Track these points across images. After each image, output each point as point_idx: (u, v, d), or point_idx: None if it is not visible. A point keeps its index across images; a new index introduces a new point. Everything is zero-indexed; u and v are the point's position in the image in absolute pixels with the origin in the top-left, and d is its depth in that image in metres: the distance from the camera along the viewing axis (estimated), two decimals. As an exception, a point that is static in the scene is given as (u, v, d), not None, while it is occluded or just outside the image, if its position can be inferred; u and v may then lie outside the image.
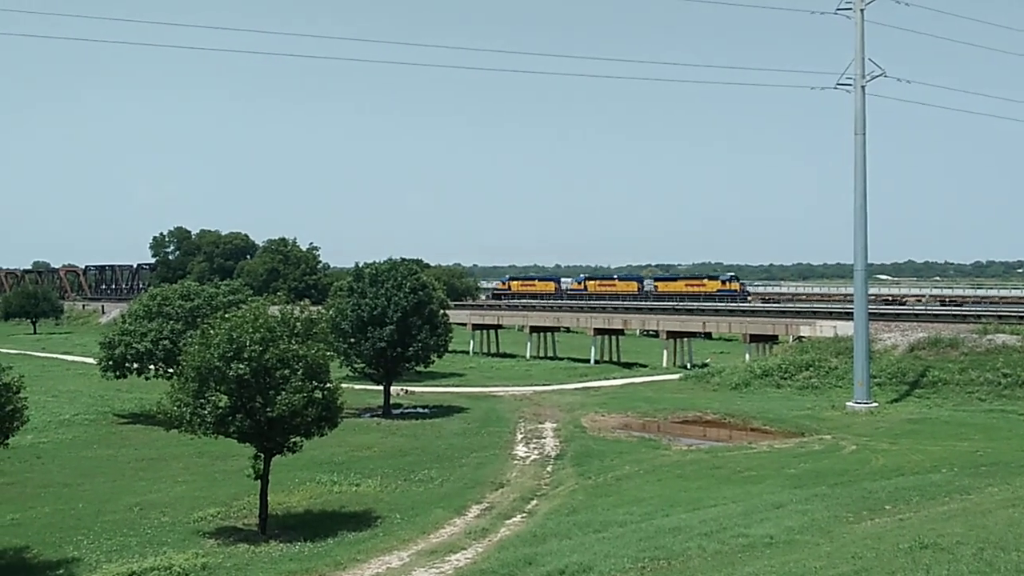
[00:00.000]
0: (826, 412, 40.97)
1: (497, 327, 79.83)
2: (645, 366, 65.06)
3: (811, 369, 48.64)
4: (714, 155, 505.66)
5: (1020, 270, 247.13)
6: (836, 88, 42.82)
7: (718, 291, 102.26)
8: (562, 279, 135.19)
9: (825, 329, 54.62)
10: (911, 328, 50.73)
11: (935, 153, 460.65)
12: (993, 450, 29.74)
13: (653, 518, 21.42)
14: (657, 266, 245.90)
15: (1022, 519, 14.83)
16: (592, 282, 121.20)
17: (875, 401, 41.35)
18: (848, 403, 41.46)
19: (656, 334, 70.91)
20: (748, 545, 16.27)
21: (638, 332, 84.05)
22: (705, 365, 60.86)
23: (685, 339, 67.84)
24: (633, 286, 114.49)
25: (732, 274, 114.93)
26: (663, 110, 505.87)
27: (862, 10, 41.93)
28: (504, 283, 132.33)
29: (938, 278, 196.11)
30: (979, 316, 56.67)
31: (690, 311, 79.25)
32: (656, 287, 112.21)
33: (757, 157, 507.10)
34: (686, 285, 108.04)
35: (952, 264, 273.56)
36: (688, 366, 63.44)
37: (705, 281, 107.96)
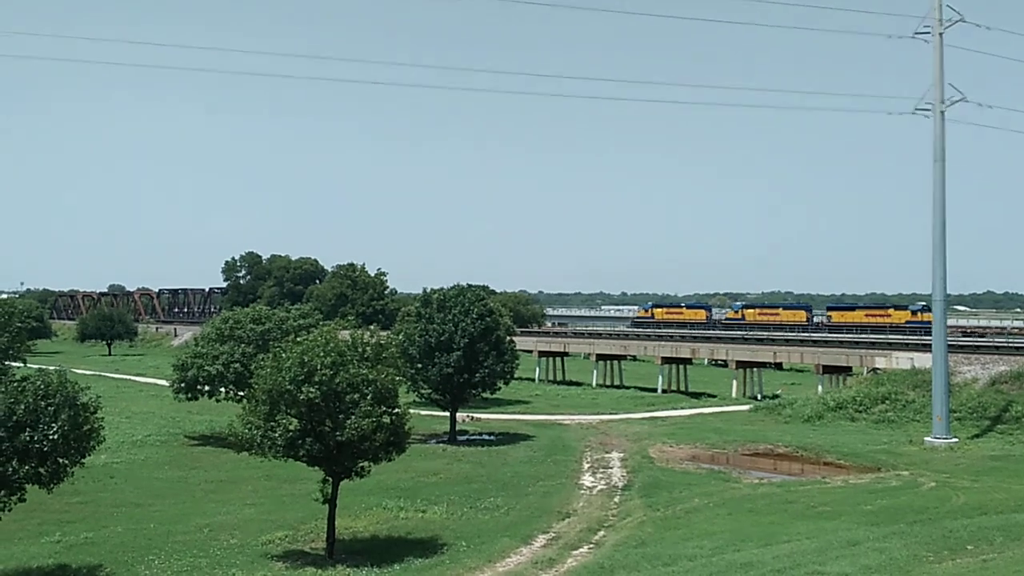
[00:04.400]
0: (903, 447, 39.80)
1: (563, 354, 79.56)
2: (714, 396, 64.15)
3: (887, 402, 47.38)
4: (784, 181, 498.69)
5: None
6: (915, 113, 41.98)
7: (908, 323, 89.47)
8: (712, 307, 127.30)
9: (902, 361, 53.25)
10: (992, 361, 49.13)
11: (1016, 179, 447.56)
12: (1081, 490, 28.52)
13: (724, 553, 20.96)
14: (726, 295, 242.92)
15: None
16: (751, 311, 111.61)
17: (955, 436, 40.05)
18: (926, 438, 40.22)
19: (725, 364, 69.88)
20: (823, 583, 15.79)
21: (706, 362, 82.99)
22: (776, 396, 59.78)
23: (755, 369, 66.72)
24: (802, 315, 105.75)
25: (923, 304, 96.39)
26: (731, 136, 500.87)
27: (941, 34, 41.11)
28: (646, 310, 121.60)
29: (1019, 309, 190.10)
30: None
31: (760, 340, 77.99)
32: (830, 317, 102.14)
33: (830, 183, 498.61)
34: (866, 315, 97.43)
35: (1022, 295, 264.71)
36: (758, 397, 62.37)
37: (891, 311, 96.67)
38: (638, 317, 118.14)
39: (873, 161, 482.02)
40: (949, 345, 43.79)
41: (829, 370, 59.66)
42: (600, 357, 75.39)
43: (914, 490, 30.69)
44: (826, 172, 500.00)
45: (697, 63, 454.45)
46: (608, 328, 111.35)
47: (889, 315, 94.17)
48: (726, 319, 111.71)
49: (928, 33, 41.60)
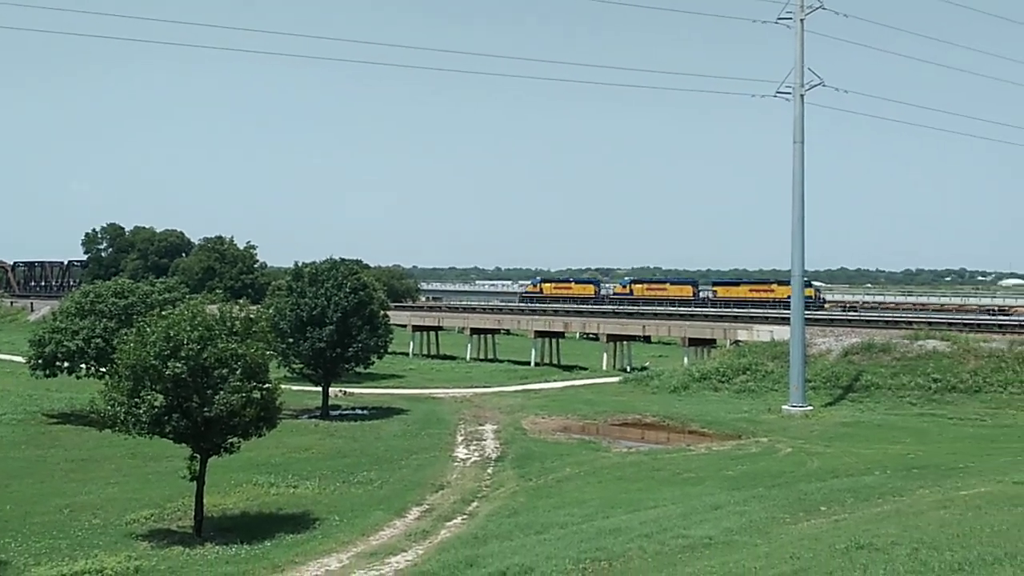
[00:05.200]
0: (763, 415, 41.61)
1: (438, 329, 79.58)
2: (585, 369, 65.42)
3: (748, 373, 49.35)
4: (646, 161, 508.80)
5: (948, 278, 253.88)
6: (776, 96, 43.57)
7: (791, 297, 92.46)
8: (600, 282, 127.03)
9: (762, 334, 55.55)
10: (845, 333, 51.84)
11: (869, 163, 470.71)
12: (924, 453, 30.43)
13: (594, 520, 21.49)
14: (597, 270, 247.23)
15: (953, 520, 15.16)
16: (639, 286, 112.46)
17: (810, 405, 42.11)
18: (784, 406, 42.15)
19: (596, 337, 71.32)
20: (688, 546, 16.38)
21: (578, 335, 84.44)
22: (644, 368, 61.42)
23: (625, 342, 68.38)
24: (688, 290, 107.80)
25: (806, 279, 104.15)
26: (601, 113, 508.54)
27: (802, 20, 42.70)
28: (535, 285, 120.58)
29: (869, 285, 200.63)
30: (910, 322, 58.20)
31: (629, 315, 79.85)
32: (716, 292, 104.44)
33: (692, 163, 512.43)
34: (751, 291, 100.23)
35: (883, 272, 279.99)
36: (628, 369, 63.95)
37: (774, 286, 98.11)
38: (526, 292, 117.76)
39: (736, 141, 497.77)
40: (806, 319, 45.94)
41: (695, 343, 61.74)
42: (474, 331, 75.76)
43: (772, 456, 32.16)
44: (690, 151, 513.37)
45: (571, 40, 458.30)
46: (483, 303, 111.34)
47: (773, 290, 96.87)
48: (615, 294, 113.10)
49: (790, 19, 43.15)
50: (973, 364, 43.75)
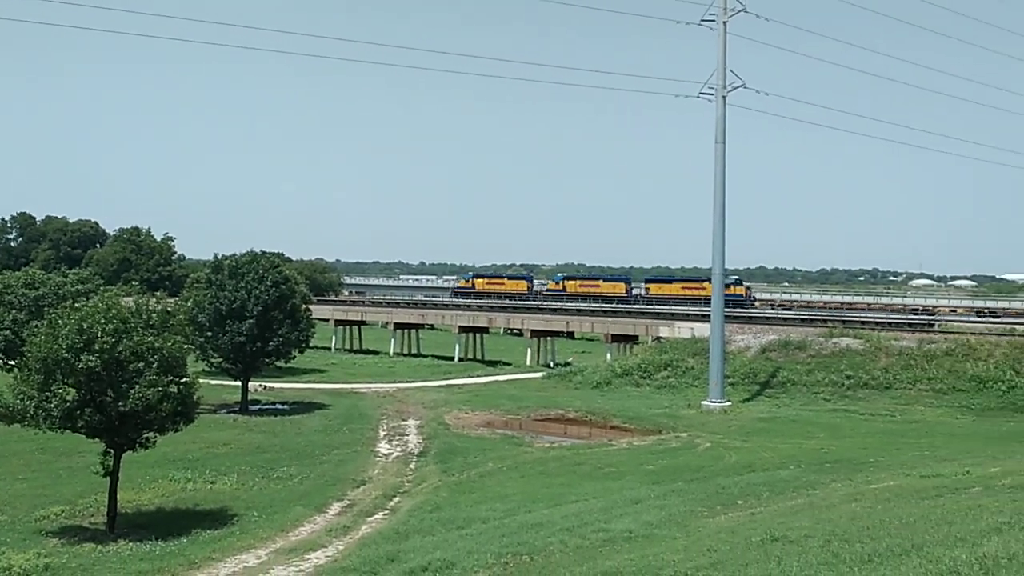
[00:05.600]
0: (683, 410, 42.26)
1: (361, 323, 78.94)
2: (509, 364, 65.62)
3: (669, 369, 50.06)
4: (573, 158, 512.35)
5: (861, 278, 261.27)
6: (699, 97, 44.23)
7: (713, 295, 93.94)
8: (533, 278, 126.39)
9: (683, 330, 56.37)
10: (763, 331, 52.95)
11: (789, 164, 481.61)
12: (836, 447, 31.29)
13: (516, 514, 21.57)
14: (522, 266, 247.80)
15: (864, 513, 15.59)
16: (572, 282, 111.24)
17: (729, 400, 42.91)
18: (703, 402, 42.88)
19: (520, 333, 71.55)
20: (608, 540, 16.54)
21: (502, 331, 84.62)
22: (568, 364, 61.83)
23: (548, 338, 68.78)
24: (621, 287, 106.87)
25: (736, 278, 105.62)
26: (525, 110, 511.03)
27: (725, 22, 43.42)
28: (467, 280, 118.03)
29: (787, 284, 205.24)
30: (825, 320, 59.73)
31: (553, 310, 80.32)
32: (648, 289, 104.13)
33: (618, 161, 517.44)
34: (683, 288, 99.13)
35: (800, 271, 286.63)
36: (551, 365, 64.31)
37: (706, 284, 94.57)
38: (458, 287, 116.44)
39: (662, 140, 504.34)
40: (725, 316, 46.78)
41: (618, 339, 62.44)
42: (398, 326, 75.35)
43: (691, 450, 32.71)
44: (616, 150, 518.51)
45: (495, 35, 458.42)
46: (407, 298, 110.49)
47: (704, 288, 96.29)
48: (547, 290, 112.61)
49: (713, 21, 43.85)
50: (884, 362, 45.14)
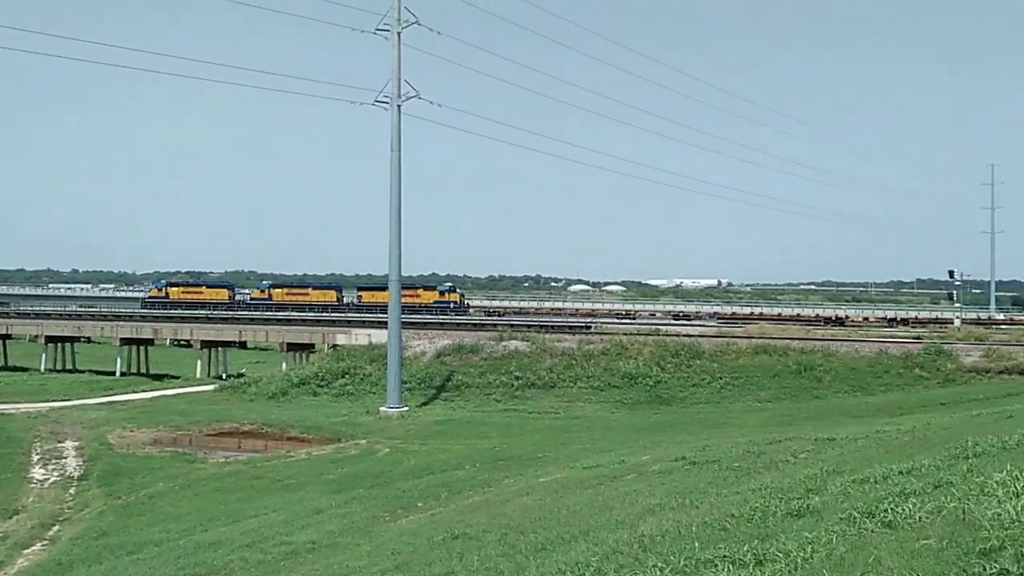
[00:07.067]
0: (361, 417, 42.45)
1: (5, 337, 71.52)
2: (177, 377, 62.37)
3: (347, 376, 50.08)
4: (245, 162, 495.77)
5: (526, 284, 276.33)
6: (375, 105, 44.70)
7: (436, 302, 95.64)
8: (234, 285, 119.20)
9: (360, 337, 56.68)
10: (438, 336, 54.56)
11: (461, 174, 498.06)
12: (508, 446, 32.92)
13: (192, 534, 20.65)
14: (187, 273, 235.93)
15: (535, 505, 16.61)
16: (279, 291, 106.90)
17: (406, 405, 43.70)
18: (382, 408, 43.33)
19: (190, 344, 68.26)
20: (291, 552, 16.35)
21: (168, 342, 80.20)
22: (241, 375, 59.92)
23: (220, 349, 66.24)
24: (332, 295, 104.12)
25: (451, 284, 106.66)
26: (190, 109, 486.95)
27: (399, 32, 44.25)
28: (160, 289, 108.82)
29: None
30: (496, 325, 62.71)
31: (224, 320, 77.38)
32: (360, 297, 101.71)
33: (292, 166, 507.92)
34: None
35: (470, 277, 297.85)
36: (223, 377, 61.98)
37: (420, 291, 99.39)
38: (150, 297, 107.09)
39: (342, 148, 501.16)
40: (402, 322, 47.65)
41: (293, 347, 61.49)
42: (49, 339, 69.03)
43: (371, 457, 32.99)
44: (290, 154, 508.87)
45: (166, 28, 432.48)
46: (58, 308, 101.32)
47: (419, 295, 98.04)
48: (253, 299, 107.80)
49: (388, 31, 44.52)
50: (549, 362, 48.22)
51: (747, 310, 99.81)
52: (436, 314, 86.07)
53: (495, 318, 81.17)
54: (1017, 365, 43.29)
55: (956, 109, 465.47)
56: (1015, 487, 6.15)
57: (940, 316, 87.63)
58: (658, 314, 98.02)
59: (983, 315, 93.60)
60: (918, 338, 54.51)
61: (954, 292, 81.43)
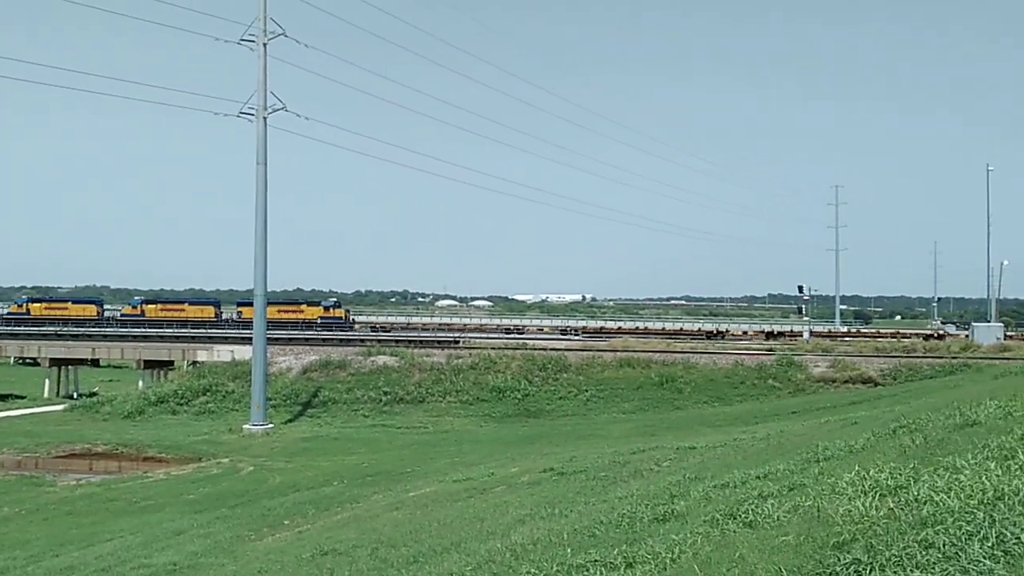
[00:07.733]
0: (224, 436, 41.25)
1: None
2: (23, 397, 59.18)
3: (208, 394, 48.61)
4: (99, 172, 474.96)
5: (393, 299, 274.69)
6: (240, 116, 43.71)
7: (321, 318, 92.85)
8: (104, 302, 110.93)
9: (223, 354, 55.15)
10: (304, 352, 53.61)
11: (331, 188, 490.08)
12: (376, 461, 32.63)
13: (41, 560, 19.60)
14: (33, 288, 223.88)
15: (405, 519, 16.57)
16: (152, 307, 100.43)
17: (271, 423, 42.71)
18: (245, 425, 42.22)
19: (36, 362, 64.86)
20: (150, 575, 15.79)
21: (12, 360, 75.99)
22: (94, 394, 57.38)
23: (71, 367, 63.20)
24: (211, 311, 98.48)
25: (335, 300, 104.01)
26: (48, 120, 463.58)
27: (265, 44, 43.47)
28: (20, 305, 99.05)
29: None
30: (363, 340, 62.13)
31: (75, 336, 73.82)
32: (241, 312, 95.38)
33: (151, 178, 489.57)
34: (279, 311, 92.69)
35: (336, 292, 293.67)
36: (74, 396, 59.16)
37: (303, 307, 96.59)
38: (10, 313, 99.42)
39: (208, 161, 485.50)
40: (268, 338, 46.58)
41: (151, 365, 59.22)
42: None
43: (234, 475, 32.09)
44: (150, 166, 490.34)
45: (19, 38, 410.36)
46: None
47: (303, 311, 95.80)
48: (124, 315, 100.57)
49: (253, 41, 43.65)
50: (418, 377, 48.09)
51: (613, 324, 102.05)
52: (321, 330, 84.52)
53: (381, 334, 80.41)
54: (860, 375, 45.86)
55: (804, 131, 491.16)
56: (863, 486, 6.56)
57: (793, 329, 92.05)
58: (532, 328, 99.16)
59: (830, 328, 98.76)
60: (771, 350, 57.00)
61: (802, 306, 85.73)
